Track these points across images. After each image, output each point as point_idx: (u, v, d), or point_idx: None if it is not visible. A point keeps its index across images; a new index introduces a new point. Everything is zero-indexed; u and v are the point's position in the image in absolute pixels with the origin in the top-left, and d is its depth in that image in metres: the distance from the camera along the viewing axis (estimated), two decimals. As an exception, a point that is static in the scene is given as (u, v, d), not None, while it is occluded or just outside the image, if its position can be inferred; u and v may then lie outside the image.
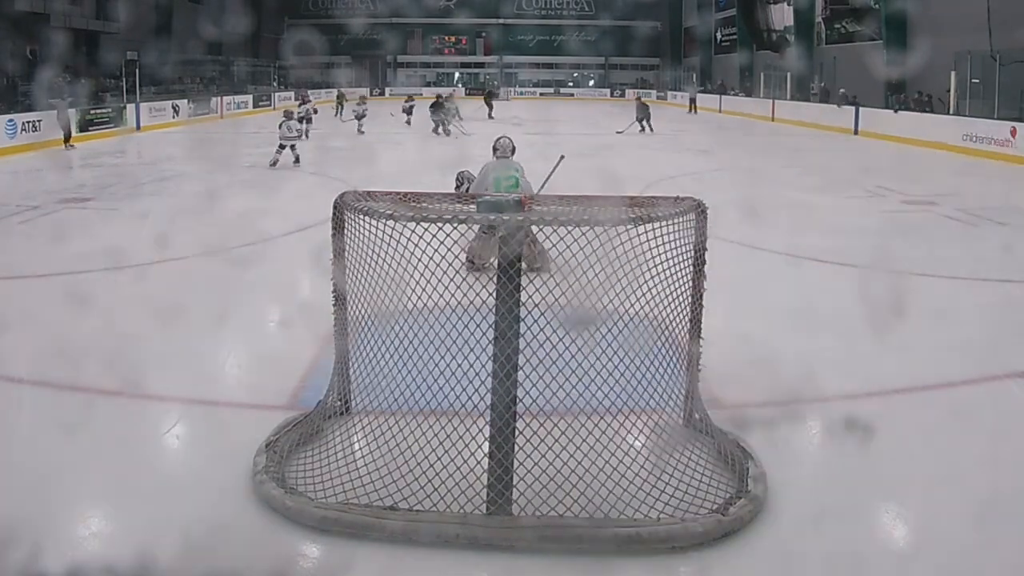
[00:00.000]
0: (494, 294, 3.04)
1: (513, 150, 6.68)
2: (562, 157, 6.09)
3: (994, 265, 7.16)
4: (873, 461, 3.55)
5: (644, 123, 21.23)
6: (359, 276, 3.39)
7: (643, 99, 24.32)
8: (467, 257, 4.13)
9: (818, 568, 2.87)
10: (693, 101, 32.39)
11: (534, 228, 4.50)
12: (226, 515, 3.10)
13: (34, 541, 2.84)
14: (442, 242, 3.07)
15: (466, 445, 3.14)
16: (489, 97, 29.27)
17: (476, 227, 5.05)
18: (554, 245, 3.07)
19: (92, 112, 19.22)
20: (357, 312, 3.48)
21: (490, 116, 26.45)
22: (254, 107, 29.95)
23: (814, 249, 7.41)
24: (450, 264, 3.15)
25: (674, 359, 3.58)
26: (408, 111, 22.92)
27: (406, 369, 3.25)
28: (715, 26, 38.51)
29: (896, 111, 20.31)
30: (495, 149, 6.75)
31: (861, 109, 21.59)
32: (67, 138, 16.39)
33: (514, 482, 3.00)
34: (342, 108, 26.75)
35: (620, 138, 19.87)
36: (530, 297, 3.11)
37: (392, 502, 3.02)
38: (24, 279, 6.53)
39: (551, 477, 3.06)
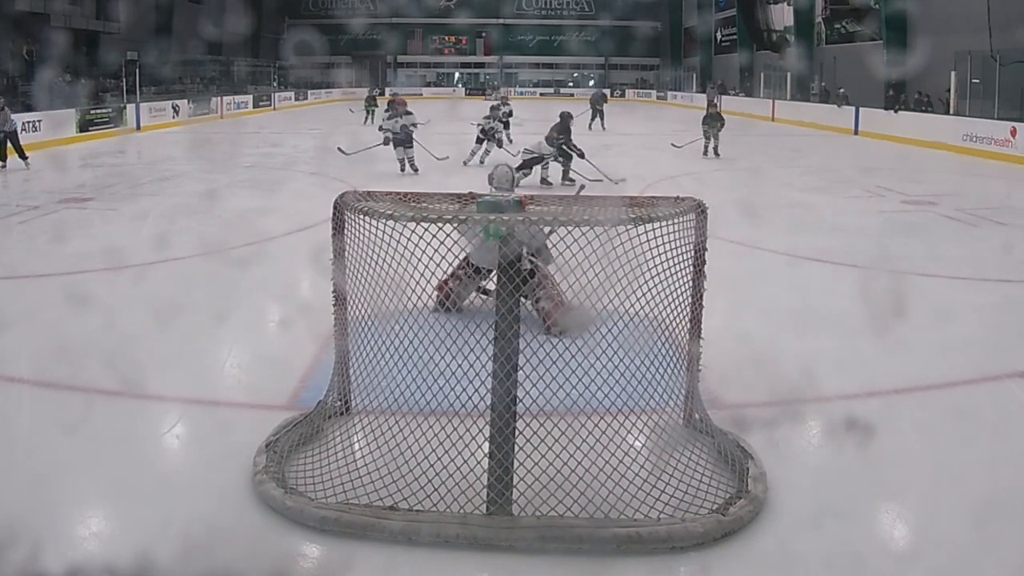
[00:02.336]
0: (494, 294, 3.04)
1: (514, 181, 5.67)
2: (582, 187, 5.73)
3: (994, 265, 7.16)
4: (873, 461, 3.55)
5: (711, 142, 15.16)
6: (359, 276, 3.39)
7: (718, 107, 16.77)
8: (439, 297, 3.91)
9: (818, 568, 2.87)
10: (712, 104, 30.69)
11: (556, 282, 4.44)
12: (226, 515, 3.10)
13: (34, 541, 2.84)
14: (442, 242, 3.07)
15: (466, 445, 3.14)
16: (597, 103, 22.60)
17: (459, 266, 4.40)
18: (554, 245, 3.07)
19: (92, 112, 19.22)
20: (357, 312, 3.49)
21: (602, 127, 21.55)
22: (254, 107, 29.94)
23: (814, 249, 7.41)
24: (450, 264, 3.15)
25: (674, 359, 3.59)
26: (499, 121, 14.40)
27: (406, 369, 3.25)
28: (715, 26, 38.50)
29: (896, 111, 20.30)
30: (490, 179, 5.76)
31: (861, 109, 21.59)
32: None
33: (514, 482, 3.00)
34: (372, 116, 22.24)
35: (620, 138, 19.82)
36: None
37: (392, 502, 3.02)
38: (24, 279, 6.53)
39: (551, 477, 3.06)
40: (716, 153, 15.05)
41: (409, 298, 3.21)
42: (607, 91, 29.53)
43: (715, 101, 16.88)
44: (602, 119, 22.10)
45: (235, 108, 28.05)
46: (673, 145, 15.56)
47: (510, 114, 16.30)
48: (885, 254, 7.28)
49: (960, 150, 16.57)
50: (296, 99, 34.72)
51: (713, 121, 15.23)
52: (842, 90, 23.63)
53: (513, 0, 46.25)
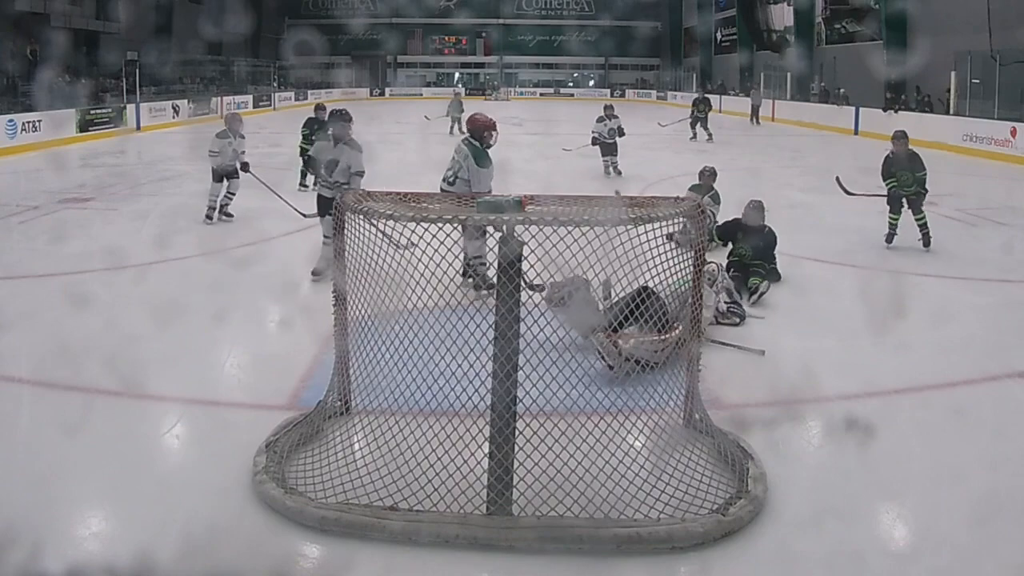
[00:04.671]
0: (494, 294, 3.04)
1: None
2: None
3: (994, 265, 7.15)
4: (873, 461, 3.56)
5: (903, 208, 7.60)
6: (359, 276, 3.39)
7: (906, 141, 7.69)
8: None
9: (818, 568, 2.87)
10: (756, 109, 25.47)
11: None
12: (226, 515, 3.11)
13: (34, 541, 2.84)
14: (442, 242, 3.07)
15: (466, 445, 3.14)
16: (700, 108, 18.91)
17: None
18: (554, 245, 3.07)
19: (92, 112, 19.22)
20: (357, 312, 3.49)
21: (708, 135, 18.46)
22: (254, 107, 29.91)
23: (814, 249, 7.41)
24: (450, 264, 3.15)
25: (675, 359, 3.59)
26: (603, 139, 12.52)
27: (406, 369, 3.25)
28: (715, 26, 38.51)
29: (897, 111, 20.28)
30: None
31: (861, 109, 21.59)
32: None
33: (514, 482, 3.01)
34: (459, 124, 17.83)
35: (620, 138, 19.67)
36: (530, 297, 3.11)
37: (392, 502, 3.02)
38: (24, 279, 6.53)
39: (551, 477, 3.06)
40: (927, 242, 7.52)
41: (409, 298, 3.21)
42: (709, 96, 23.20)
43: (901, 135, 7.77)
44: (705, 126, 18.67)
45: (235, 108, 28.03)
46: (839, 184, 8.59)
47: (619, 131, 12.57)
48: (885, 254, 7.28)
49: (960, 150, 16.56)
50: (296, 99, 34.69)
51: (907, 177, 7.43)
52: (842, 90, 23.62)
53: (513, 0, 46.25)
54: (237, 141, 8.73)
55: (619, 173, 12.27)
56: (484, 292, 4.54)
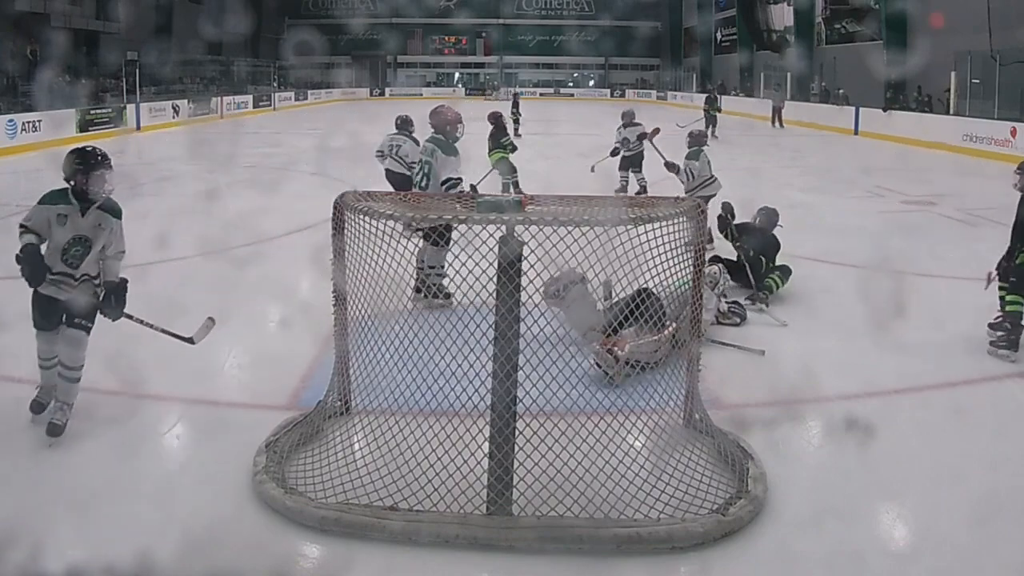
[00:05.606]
0: (494, 294, 3.04)
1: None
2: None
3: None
4: (873, 461, 3.56)
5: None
6: (359, 276, 3.39)
7: None
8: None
9: (818, 568, 2.87)
10: (778, 111, 23.79)
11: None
12: (226, 515, 3.11)
13: (34, 541, 2.84)
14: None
15: (466, 445, 3.14)
16: (712, 106, 19.53)
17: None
18: (554, 245, 3.07)
19: (92, 112, 19.21)
20: (357, 312, 3.49)
21: (714, 134, 17.78)
22: (254, 107, 29.93)
23: (814, 249, 7.41)
24: (450, 264, 3.15)
25: (674, 359, 3.59)
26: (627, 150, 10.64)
27: (406, 369, 3.25)
28: (715, 26, 38.52)
29: (897, 109, 20.28)
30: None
31: (861, 109, 21.60)
32: None
33: (514, 482, 3.01)
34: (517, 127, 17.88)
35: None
36: (530, 297, 3.11)
37: (392, 502, 3.02)
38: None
39: (551, 477, 3.06)
40: (1003, 344, 4.89)
41: (409, 298, 3.21)
42: (718, 95, 23.26)
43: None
44: (715, 126, 18.75)
45: (235, 108, 28.03)
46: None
47: (641, 137, 10.56)
48: (885, 254, 7.27)
49: (960, 150, 16.56)
50: (296, 99, 34.72)
51: None
52: (842, 90, 23.61)
53: (513, 0, 46.26)
54: None
55: (643, 189, 10.31)
56: (438, 302, 4.58)
